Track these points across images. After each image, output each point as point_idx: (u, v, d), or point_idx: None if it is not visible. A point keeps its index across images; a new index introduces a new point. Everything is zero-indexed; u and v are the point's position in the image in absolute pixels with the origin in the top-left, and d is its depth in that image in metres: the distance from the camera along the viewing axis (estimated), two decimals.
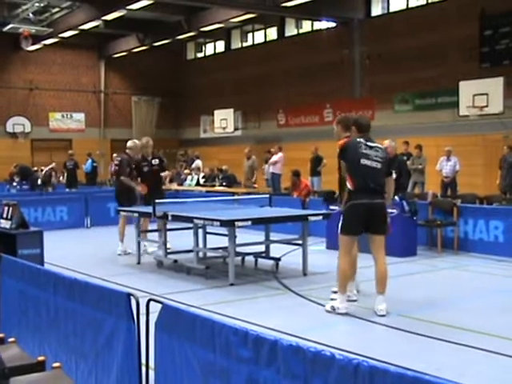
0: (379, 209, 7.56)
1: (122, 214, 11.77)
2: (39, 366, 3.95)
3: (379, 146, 7.77)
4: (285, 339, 3.32)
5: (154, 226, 12.14)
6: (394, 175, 11.94)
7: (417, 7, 23.53)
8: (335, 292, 7.90)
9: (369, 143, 7.60)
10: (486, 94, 18.62)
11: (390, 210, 11.72)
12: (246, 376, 3.47)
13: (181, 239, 12.29)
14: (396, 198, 12.07)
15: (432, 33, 22.23)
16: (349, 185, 7.58)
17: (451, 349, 6.30)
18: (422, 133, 21.66)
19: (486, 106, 18.66)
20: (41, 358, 4.02)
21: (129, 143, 12.73)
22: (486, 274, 10.43)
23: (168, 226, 11.11)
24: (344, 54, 25.46)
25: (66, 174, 26.21)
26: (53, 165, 27.12)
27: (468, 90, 19.05)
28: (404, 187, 12.63)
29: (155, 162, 12.60)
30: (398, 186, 12.10)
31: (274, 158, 22.26)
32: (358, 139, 7.61)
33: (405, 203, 11.98)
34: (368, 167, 7.49)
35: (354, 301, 8.08)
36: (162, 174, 12.78)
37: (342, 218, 7.70)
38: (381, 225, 7.63)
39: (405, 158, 18.39)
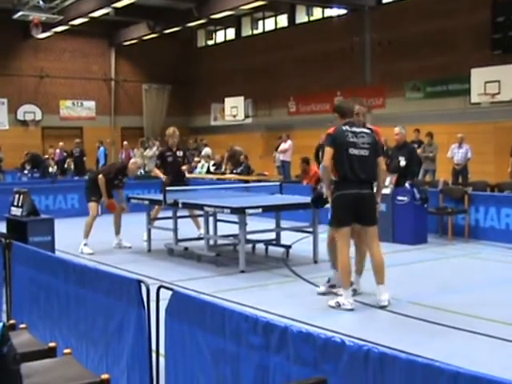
0: (368, 199, 7.36)
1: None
2: (50, 352, 3.97)
3: (365, 130, 7.48)
4: (295, 326, 3.32)
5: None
6: (404, 162, 11.99)
7: None
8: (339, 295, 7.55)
9: (354, 129, 7.36)
10: (498, 81, 18.46)
11: (402, 198, 11.75)
12: (256, 362, 3.48)
13: (191, 227, 12.32)
14: (407, 185, 12.04)
15: (443, 19, 22.05)
16: (333, 175, 7.34)
17: (462, 336, 6.29)
18: (433, 120, 21.54)
19: (498, 94, 18.51)
20: (52, 345, 4.04)
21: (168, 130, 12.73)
22: (497, 261, 10.40)
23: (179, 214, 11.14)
24: (355, 41, 25.32)
25: (73, 162, 26.39)
26: (61, 144, 27.40)
27: (480, 77, 18.91)
28: (414, 174, 12.54)
29: (179, 153, 12.59)
30: (407, 173, 12.11)
31: (285, 145, 22.26)
32: (344, 127, 7.35)
33: (416, 191, 11.93)
34: (356, 156, 7.26)
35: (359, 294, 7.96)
36: (184, 168, 12.74)
37: (330, 212, 7.48)
38: (371, 216, 7.44)
39: (416, 145, 18.35)
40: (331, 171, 7.32)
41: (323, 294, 7.89)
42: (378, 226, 7.65)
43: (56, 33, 29.70)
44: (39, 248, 6.35)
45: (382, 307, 7.31)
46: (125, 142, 29.02)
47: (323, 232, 10.72)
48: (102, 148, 27.98)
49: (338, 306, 7.29)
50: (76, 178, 23.80)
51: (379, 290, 7.42)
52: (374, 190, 7.56)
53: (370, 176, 7.41)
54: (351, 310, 7.23)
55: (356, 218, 7.39)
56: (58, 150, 27.83)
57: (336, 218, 7.39)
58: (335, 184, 7.37)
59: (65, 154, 27.17)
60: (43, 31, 28.08)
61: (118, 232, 11.84)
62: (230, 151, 24.08)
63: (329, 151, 7.26)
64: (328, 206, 7.73)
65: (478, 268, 9.96)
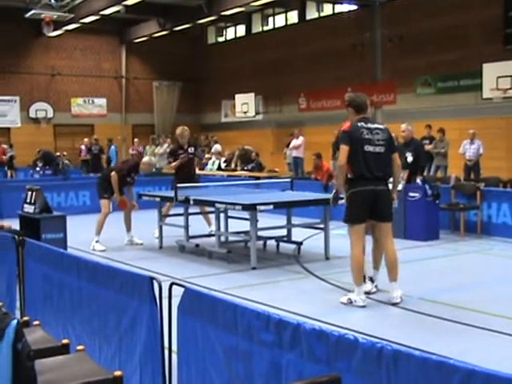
0: (383, 195, 7.31)
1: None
2: (63, 349, 3.99)
3: (379, 126, 7.43)
4: (308, 323, 3.30)
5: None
6: (411, 158, 11.95)
7: None
8: (371, 279, 7.63)
9: (369, 125, 7.29)
10: (510, 77, 18.34)
11: (414, 194, 11.71)
12: (268, 360, 3.47)
13: (202, 223, 12.32)
14: (418, 181, 12.01)
15: (455, 14, 21.95)
16: (348, 173, 7.28)
17: (475, 333, 6.26)
18: (444, 116, 21.46)
19: (510, 89, 18.40)
20: (65, 341, 4.05)
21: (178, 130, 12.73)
22: (509, 258, 10.35)
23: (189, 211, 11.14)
24: (365, 37, 25.25)
25: (90, 159, 26.39)
26: (86, 140, 27.31)
27: (492, 72, 18.80)
28: (422, 169, 12.47)
29: (191, 150, 12.60)
30: (415, 169, 12.07)
31: (297, 141, 22.21)
32: (359, 123, 7.27)
33: (427, 187, 11.89)
34: (372, 153, 7.20)
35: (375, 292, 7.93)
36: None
37: (345, 208, 7.44)
38: (386, 212, 7.39)
39: (427, 141, 18.28)
40: (347, 168, 7.27)
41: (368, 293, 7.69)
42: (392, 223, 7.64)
43: (67, 31, 29.80)
44: (52, 245, 6.37)
45: (394, 304, 7.29)
46: (135, 140, 29.05)
47: (334, 228, 10.73)
48: (112, 147, 27.97)
49: (350, 302, 7.26)
50: (91, 175, 23.85)
51: (392, 287, 7.40)
52: (389, 186, 7.52)
53: (386, 173, 7.36)
54: (363, 306, 7.20)
55: (371, 213, 7.35)
56: (83, 147, 27.55)
57: (351, 214, 7.35)
58: (350, 181, 7.31)
59: (96, 148, 26.60)
60: (55, 29, 28.19)
61: (129, 229, 11.87)
62: (241, 150, 24.09)
63: (344, 149, 7.20)
64: (342, 202, 7.71)
65: (491, 264, 9.91)
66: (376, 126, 7.40)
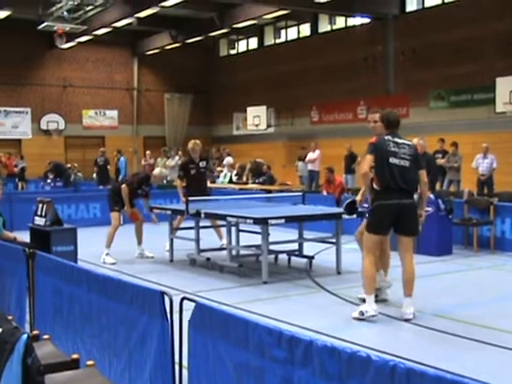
0: (409, 209, 7.36)
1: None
2: (73, 364, 3.98)
3: (406, 142, 7.53)
4: (320, 339, 3.29)
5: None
6: None
7: (453, 2, 23.22)
8: (363, 300, 7.58)
9: (396, 139, 7.41)
10: None
11: (427, 209, 11.68)
12: (280, 376, 3.45)
13: (213, 237, 12.32)
14: (431, 196, 11.97)
15: (468, 28, 21.95)
16: (375, 184, 7.41)
17: (489, 350, 6.21)
18: (457, 130, 21.40)
19: None
20: (75, 356, 4.05)
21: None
22: None
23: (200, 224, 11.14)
24: (378, 50, 25.29)
25: (97, 171, 26.29)
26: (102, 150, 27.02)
27: (505, 86, 18.77)
28: (433, 185, 12.40)
29: (202, 164, 12.51)
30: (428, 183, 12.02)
31: (313, 155, 22.20)
32: (386, 137, 7.41)
33: (440, 201, 11.85)
34: (397, 166, 7.29)
35: (385, 300, 7.97)
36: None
37: (369, 217, 7.56)
38: (410, 226, 7.43)
39: (440, 155, 18.23)
40: (372, 180, 7.38)
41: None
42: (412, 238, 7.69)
43: (80, 43, 29.99)
44: (62, 258, 6.38)
45: (407, 320, 7.25)
46: (148, 152, 29.07)
47: (346, 243, 10.70)
48: (122, 158, 27.79)
49: (362, 314, 7.24)
50: (100, 187, 23.87)
51: (405, 302, 7.38)
52: (415, 199, 7.55)
53: (411, 186, 7.41)
54: (375, 316, 7.19)
55: (395, 226, 7.43)
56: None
57: (372, 225, 7.44)
58: (376, 193, 7.41)
59: (101, 159, 26.20)
60: (67, 41, 28.37)
61: (140, 242, 11.87)
62: (252, 163, 24.09)
63: (368, 158, 7.35)
64: (354, 216, 7.79)
65: (504, 280, 9.85)
66: (403, 141, 7.49)
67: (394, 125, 7.56)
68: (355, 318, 7.26)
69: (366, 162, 7.37)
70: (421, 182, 7.56)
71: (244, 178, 23.99)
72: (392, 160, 7.29)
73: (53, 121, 31.41)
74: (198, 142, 12.68)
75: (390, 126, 7.53)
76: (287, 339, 3.40)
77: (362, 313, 7.25)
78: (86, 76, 32.70)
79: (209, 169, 13.13)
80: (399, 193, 7.29)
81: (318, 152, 22.15)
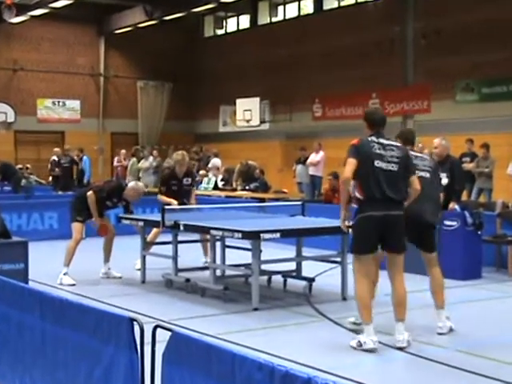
0: (396, 222, 7.53)
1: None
2: None
3: (394, 143, 7.72)
4: (320, 377, 3.31)
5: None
6: (446, 180, 11.95)
7: None
8: (355, 323, 8.00)
9: (381, 140, 7.57)
10: None
11: (451, 223, 11.71)
12: None
13: (194, 253, 12.32)
14: (457, 207, 12.00)
15: (503, 5, 22.03)
16: (358, 193, 7.54)
17: None
18: (489, 129, 21.50)
19: None
20: None
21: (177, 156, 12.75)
22: None
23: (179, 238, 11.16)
24: (394, 32, 25.38)
25: (58, 174, 26.18)
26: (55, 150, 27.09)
27: None
28: (458, 196, 12.43)
29: (187, 181, 12.59)
30: (451, 193, 12.04)
31: (315, 157, 22.13)
32: (370, 138, 7.59)
33: (467, 214, 11.89)
34: (383, 171, 7.44)
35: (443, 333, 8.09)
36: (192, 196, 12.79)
37: (353, 233, 7.73)
38: (398, 241, 7.64)
39: (468, 158, 18.30)
40: (355, 188, 7.53)
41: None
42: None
43: (33, 17, 29.95)
44: (10, 277, 6.37)
45: (400, 349, 7.40)
46: (122, 151, 28.96)
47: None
48: (85, 157, 27.80)
49: (360, 345, 7.41)
50: (60, 193, 23.81)
51: (398, 328, 7.55)
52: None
53: (399, 195, 7.56)
54: (374, 348, 7.32)
55: (381, 242, 7.63)
56: (55, 158, 26.80)
57: (358, 243, 7.60)
58: (359, 203, 7.56)
59: (66, 159, 25.99)
60: (17, 15, 28.23)
61: (107, 259, 11.87)
62: (243, 166, 24.03)
63: (351, 162, 7.44)
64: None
65: None
66: (390, 142, 7.67)
67: (379, 124, 7.75)
68: (352, 347, 7.46)
69: (348, 167, 7.43)
70: (412, 190, 7.71)
71: (234, 184, 23.97)
72: (378, 163, 7.44)
73: (0, 112, 31.25)
74: (186, 153, 12.88)
75: (375, 126, 7.72)
76: (281, 376, 3.41)
77: (359, 343, 7.43)
78: (41, 58, 32.64)
79: (193, 186, 13.12)
80: (386, 203, 7.44)
81: (322, 154, 22.15)
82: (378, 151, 7.46)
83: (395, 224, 7.51)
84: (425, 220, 7.90)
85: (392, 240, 7.59)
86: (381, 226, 7.45)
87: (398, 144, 7.78)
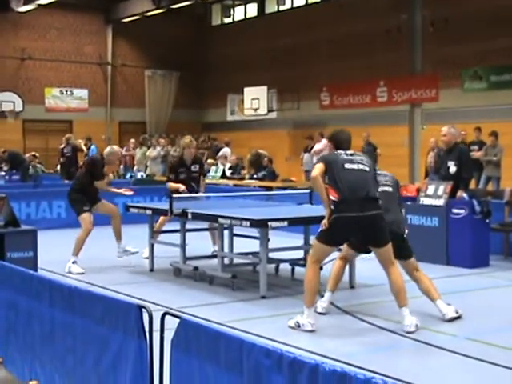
0: (372, 221, 7.63)
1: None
2: None
3: (359, 154, 8.06)
4: (328, 363, 3.31)
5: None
6: (454, 168, 11.95)
7: None
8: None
9: (348, 152, 7.82)
10: None
11: (459, 211, 11.69)
12: None
13: (202, 241, 12.33)
14: (464, 195, 11.98)
15: None
16: (332, 196, 7.65)
17: None
18: (498, 117, 21.44)
19: None
20: (32, 383, 4.06)
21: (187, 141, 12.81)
22: None
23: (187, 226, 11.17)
24: (402, 20, 25.30)
25: (62, 163, 26.12)
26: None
27: None
28: (466, 184, 12.40)
29: (195, 168, 12.58)
30: (459, 181, 12.03)
31: (319, 145, 22.14)
32: (336, 152, 7.86)
33: (475, 202, 11.86)
34: (355, 170, 7.65)
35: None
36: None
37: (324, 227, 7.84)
38: (378, 237, 7.78)
39: (476, 147, 18.26)
40: (330, 191, 7.66)
41: None
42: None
43: (41, 5, 29.87)
44: (19, 265, 6.38)
45: (409, 333, 7.48)
46: (132, 140, 28.85)
47: None
48: (93, 147, 27.62)
49: (298, 326, 7.70)
50: (66, 182, 23.77)
51: (403, 314, 7.66)
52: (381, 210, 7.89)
53: (373, 193, 7.71)
54: (311, 331, 7.56)
55: (364, 241, 7.94)
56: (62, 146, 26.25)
57: (326, 235, 7.74)
58: (334, 205, 7.66)
59: (68, 149, 26.03)
60: (25, 3, 28.24)
61: (119, 238, 11.92)
62: (254, 155, 23.98)
63: (318, 166, 7.72)
64: None
65: None
66: (356, 152, 8.02)
67: (344, 144, 7.99)
68: (290, 327, 7.75)
69: (315, 170, 7.69)
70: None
71: (244, 172, 23.91)
72: (348, 165, 7.69)
73: (8, 101, 31.19)
74: (193, 139, 12.96)
75: (341, 147, 7.95)
76: (289, 362, 3.42)
77: (297, 324, 7.72)
78: (48, 47, 32.63)
79: (202, 173, 13.07)
80: (360, 203, 7.58)
81: (324, 141, 22.10)
82: (346, 157, 7.74)
83: (372, 223, 7.64)
84: (394, 231, 8.00)
85: (371, 237, 7.78)
86: (356, 225, 7.62)
87: (363, 155, 8.15)
